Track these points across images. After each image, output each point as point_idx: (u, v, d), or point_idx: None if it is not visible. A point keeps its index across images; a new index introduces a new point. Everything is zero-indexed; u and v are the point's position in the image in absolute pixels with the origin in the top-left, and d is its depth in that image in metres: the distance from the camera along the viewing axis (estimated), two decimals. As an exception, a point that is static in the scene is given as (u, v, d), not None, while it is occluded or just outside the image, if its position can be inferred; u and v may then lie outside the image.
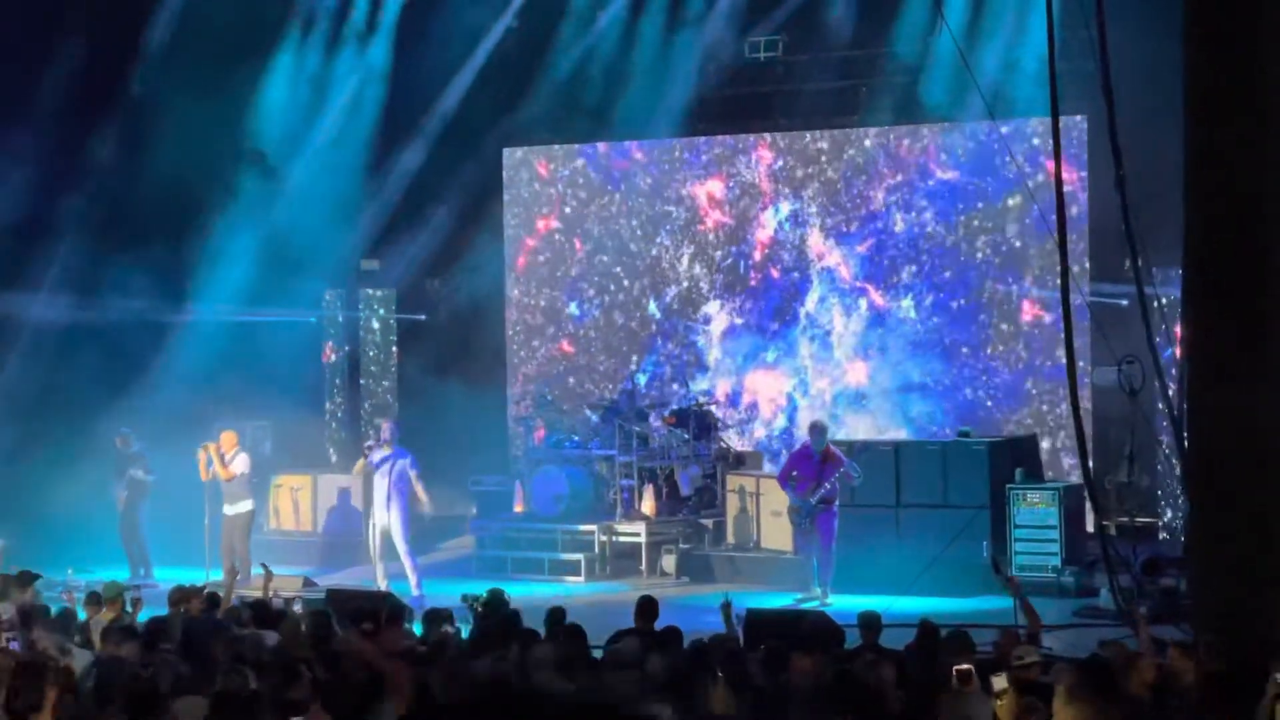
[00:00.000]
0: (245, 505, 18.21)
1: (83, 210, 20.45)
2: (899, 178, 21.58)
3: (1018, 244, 20.87)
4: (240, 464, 18.23)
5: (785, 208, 22.23)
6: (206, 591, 13.12)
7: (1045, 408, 20.78)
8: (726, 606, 11.83)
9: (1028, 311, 20.94)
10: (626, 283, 23.14)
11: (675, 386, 21.07)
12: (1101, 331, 16.23)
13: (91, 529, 19.06)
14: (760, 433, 22.15)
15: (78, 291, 20.22)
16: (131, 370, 20.14)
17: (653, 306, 23.01)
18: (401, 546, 17.25)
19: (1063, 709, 7.39)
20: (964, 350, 21.33)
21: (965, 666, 7.38)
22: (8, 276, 20.00)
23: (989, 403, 21.14)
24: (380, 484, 17.43)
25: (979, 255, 21.24)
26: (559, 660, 9.83)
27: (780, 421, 22.24)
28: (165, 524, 19.16)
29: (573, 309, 23.45)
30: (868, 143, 21.75)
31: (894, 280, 21.64)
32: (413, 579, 17.18)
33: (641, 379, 22.15)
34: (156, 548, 19.06)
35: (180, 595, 12.95)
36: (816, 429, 17.32)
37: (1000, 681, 8.14)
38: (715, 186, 22.66)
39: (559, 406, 21.53)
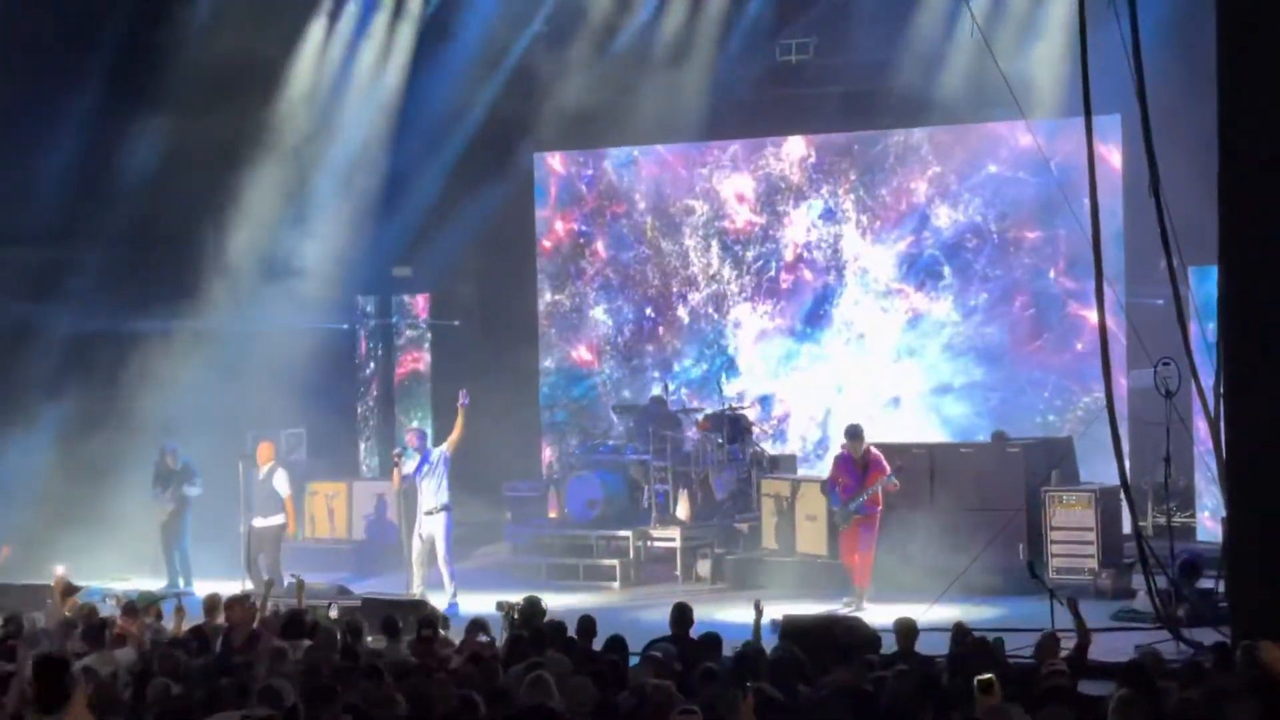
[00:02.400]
0: (278, 519, 18.18)
1: (116, 219, 20.47)
2: (934, 177, 21.52)
3: (1054, 244, 20.78)
4: (282, 484, 18.20)
5: (818, 205, 22.20)
6: (248, 602, 13.11)
7: (1082, 409, 20.67)
8: (759, 607, 11.78)
9: (1066, 311, 20.84)
10: (656, 286, 23.13)
11: (695, 404, 20.88)
12: (1137, 333, 16.14)
13: (130, 537, 19.10)
14: (795, 445, 22.01)
15: (111, 301, 20.25)
16: (165, 378, 20.16)
17: (682, 310, 22.99)
18: (442, 554, 17.21)
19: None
20: (1000, 351, 21.25)
21: (987, 676, 7.28)
22: (43, 287, 20.06)
23: (1026, 404, 21.05)
24: (423, 490, 17.38)
25: (1014, 255, 21.18)
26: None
27: (815, 434, 22.15)
28: (200, 534, 19.19)
29: (601, 314, 23.44)
30: (901, 143, 21.68)
31: (930, 280, 21.58)
32: (450, 588, 17.14)
33: (672, 384, 22.09)
34: (195, 558, 19.07)
35: (216, 604, 12.99)
36: (850, 433, 17.18)
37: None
38: (746, 188, 22.63)
39: (590, 412, 21.54)
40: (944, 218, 21.51)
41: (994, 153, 21.11)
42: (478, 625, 11.73)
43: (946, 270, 21.51)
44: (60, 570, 13.48)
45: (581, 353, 23.57)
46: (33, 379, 19.64)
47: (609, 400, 22.83)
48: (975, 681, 7.32)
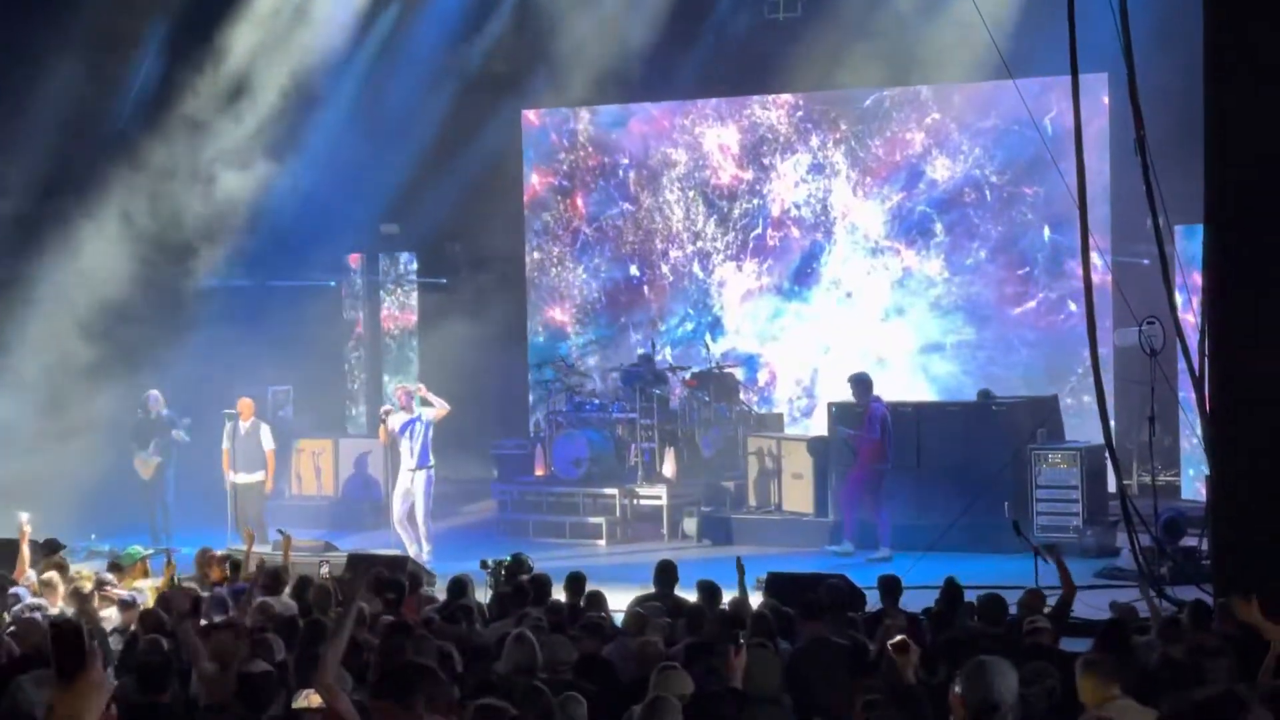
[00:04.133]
0: (260, 474, 18.26)
1: (99, 173, 20.36)
2: (932, 125, 21.42)
3: (1051, 200, 20.67)
4: (268, 439, 18.26)
5: (806, 160, 22.13)
6: (230, 559, 13.16)
7: (1068, 368, 20.69)
8: (740, 566, 11.82)
9: (1062, 269, 20.78)
10: (637, 243, 23.09)
11: (672, 374, 20.70)
12: (1122, 292, 16.16)
13: (114, 495, 19.07)
14: (782, 408, 22.01)
15: (91, 255, 20.16)
16: (152, 335, 20.11)
17: (665, 268, 22.95)
18: (421, 514, 17.32)
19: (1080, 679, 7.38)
20: (992, 309, 21.23)
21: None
22: (22, 240, 19.97)
23: (1014, 362, 21.05)
24: (405, 449, 17.47)
25: (1012, 210, 21.09)
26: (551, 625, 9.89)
27: (802, 401, 22.12)
28: (186, 491, 19.19)
29: (584, 272, 23.42)
30: (891, 99, 21.60)
31: (922, 237, 21.53)
32: (427, 545, 17.26)
33: (658, 343, 22.07)
34: (177, 516, 19.05)
35: (205, 560, 13.04)
36: (850, 383, 17.47)
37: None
38: (731, 141, 22.56)
39: (578, 370, 21.52)
40: (941, 170, 21.40)
41: (995, 103, 20.86)
42: (459, 585, 11.72)
43: (939, 227, 21.46)
44: (24, 518, 13.30)
45: (563, 312, 23.55)
46: (12, 335, 19.57)
47: (595, 359, 22.82)
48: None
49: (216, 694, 8.03)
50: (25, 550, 13.02)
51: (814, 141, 22.09)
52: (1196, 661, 8.13)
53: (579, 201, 23.48)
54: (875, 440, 17.06)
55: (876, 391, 17.61)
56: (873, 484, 17.13)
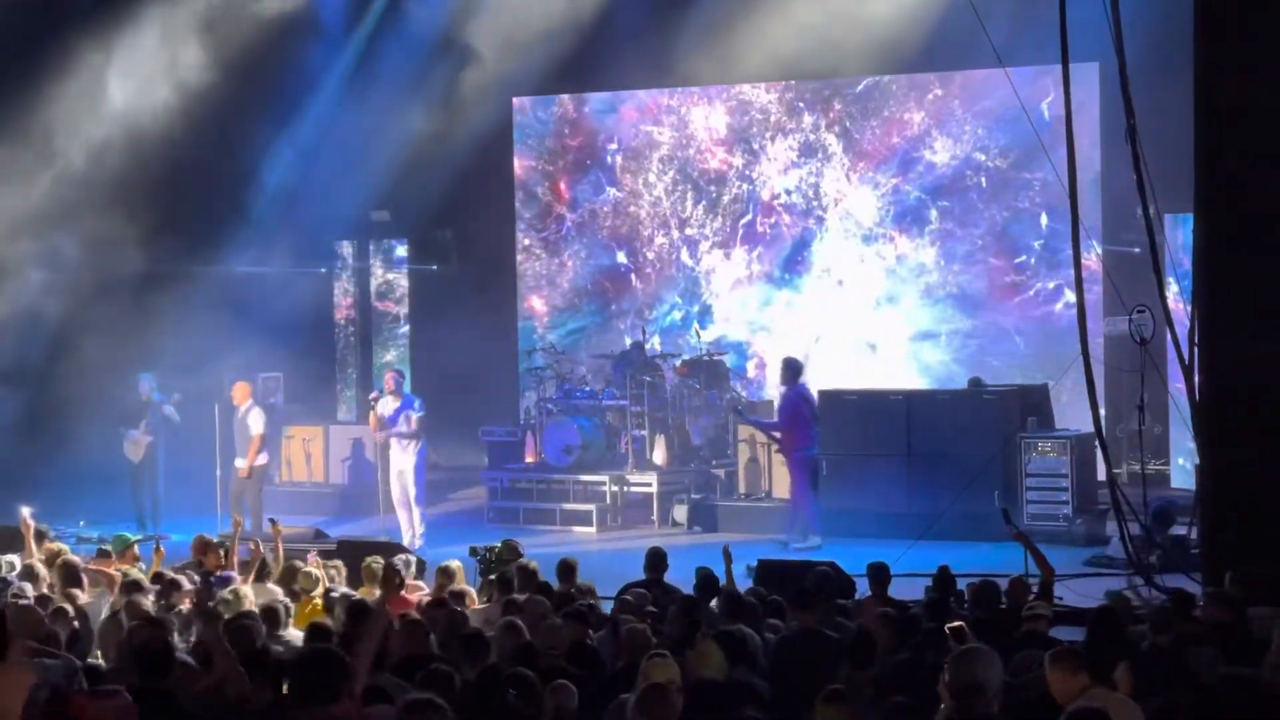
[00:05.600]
0: (259, 459, 18.24)
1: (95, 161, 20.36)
2: (932, 103, 21.34)
3: (1042, 189, 20.60)
4: (256, 423, 18.22)
5: (797, 141, 22.07)
6: (224, 547, 13.18)
7: (1063, 357, 20.67)
8: (727, 553, 11.83)
9: (1059, 258, 20.71)
10: (630, 231, 23.05)
11: (663, 362, 20.62)
12: (1113, 281, 16.17)
13: (103, 481, 19.06)
14: (772, 395, 21.95)
15: (86, 244, 20.15)
16: (142, 322, 20.10)
17: (653, 255, 22.92)
18: (411, 497, 17.34)
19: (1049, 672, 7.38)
20: (982, 297, 21.20)
21: (958, 624, 7.33)
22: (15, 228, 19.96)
23: (1008, 351, 21.03)
24: (396, 435, 17.50)
25: (1009, 197, 21.02)
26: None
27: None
28: (176, 476, 19.18)
29: (571, 259, 23.38)
30: (886, 86, 21.54)
31: (916, 224, 21.48)
32: (418, 529, 17.29)
33: (647, 331, 22.03)
34: (167, 501, 19.04)
35: (201, 548, 13.06)
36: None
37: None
38: (720, 124, 22.51)
39: (569, 357, 21.52)
40: (939, 153, 21.30)
41: (994, 86, 20.50)
42: (445, 572, 11.73)
43: (934, 213, 21.40)
44: (26, 512, 13.43)
45: (545, 300, 23.52)
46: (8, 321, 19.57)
47: (586, 347, 22.81)
48: (948, 629, 7.38)
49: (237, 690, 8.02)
50: (31, 541, 13.19)
51: (806, 122, 22.02)
52: (1180, 650, 8.14)
53: (567, 188, 23.43)
54: (785, 430, 17.14)
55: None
56: (806, 470, 17.16)
